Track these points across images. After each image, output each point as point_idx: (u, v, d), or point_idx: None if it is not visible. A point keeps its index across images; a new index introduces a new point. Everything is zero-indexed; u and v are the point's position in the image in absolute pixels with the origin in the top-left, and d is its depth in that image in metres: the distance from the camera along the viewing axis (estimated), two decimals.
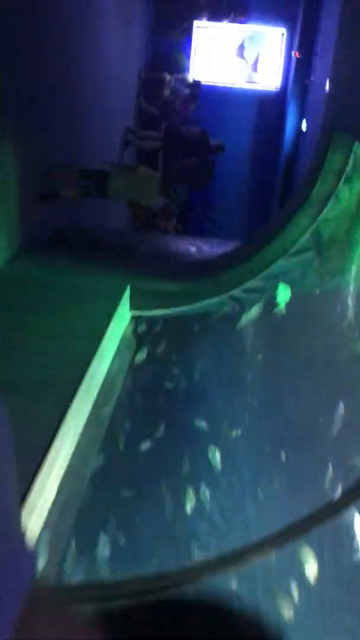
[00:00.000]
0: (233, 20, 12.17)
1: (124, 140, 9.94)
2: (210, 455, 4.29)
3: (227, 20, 12.17)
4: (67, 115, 6.82)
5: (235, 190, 13.09)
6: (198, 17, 12.17)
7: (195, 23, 12.20)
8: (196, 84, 12.00)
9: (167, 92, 11.69)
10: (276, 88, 12.52)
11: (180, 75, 12.02)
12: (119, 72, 9.82)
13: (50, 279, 4.94)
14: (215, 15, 12.16)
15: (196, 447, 4.37)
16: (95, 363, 3.86)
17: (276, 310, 4.91)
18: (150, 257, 6.00)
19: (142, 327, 5.09)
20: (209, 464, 4.25)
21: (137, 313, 5.04)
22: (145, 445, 4.15)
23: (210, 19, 12.18)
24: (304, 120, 11.39)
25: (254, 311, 4.83)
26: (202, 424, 4.47)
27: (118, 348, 4.78)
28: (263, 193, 13.05)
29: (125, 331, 4.99)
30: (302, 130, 11.53)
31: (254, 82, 12.53)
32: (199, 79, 12.26)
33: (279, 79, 12.41)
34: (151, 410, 4.63)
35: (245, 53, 12.24)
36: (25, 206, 5.42)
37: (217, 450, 4.34)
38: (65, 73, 6.51)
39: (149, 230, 10.38)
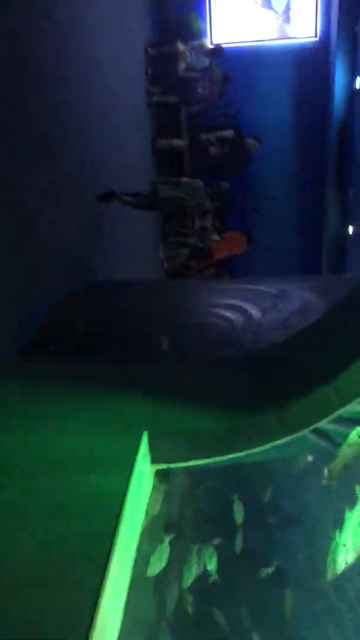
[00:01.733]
0: None
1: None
2: None
3: None
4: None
5: (279, 171, 10.88)
6: None
7: None
8: (217, 50, 9.82)
9: (182, 66, 9.55)
10: (315, 39, 10.14)
11: (196, 43, 9.82)
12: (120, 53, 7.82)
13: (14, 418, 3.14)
14: None
15: None
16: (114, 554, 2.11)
17: None
18: (175, 354, 4.07)
19: (172, 486, 3.27)
20: None
21: (163, 466, 3.20)
22: None
23: None
24: (359, 77, 9.01)
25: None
26: None
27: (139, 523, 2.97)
28: (313, 170, 10.78)
29: (149, 497, 3.15)
30: (356, 89, 9.16)
31: (287, 37, 10.17)
32: (220, 43, 10.07)
33: (318, 28, 10.00)
34: None
35: (274, 1, 9.87)
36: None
37: None
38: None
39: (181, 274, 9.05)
